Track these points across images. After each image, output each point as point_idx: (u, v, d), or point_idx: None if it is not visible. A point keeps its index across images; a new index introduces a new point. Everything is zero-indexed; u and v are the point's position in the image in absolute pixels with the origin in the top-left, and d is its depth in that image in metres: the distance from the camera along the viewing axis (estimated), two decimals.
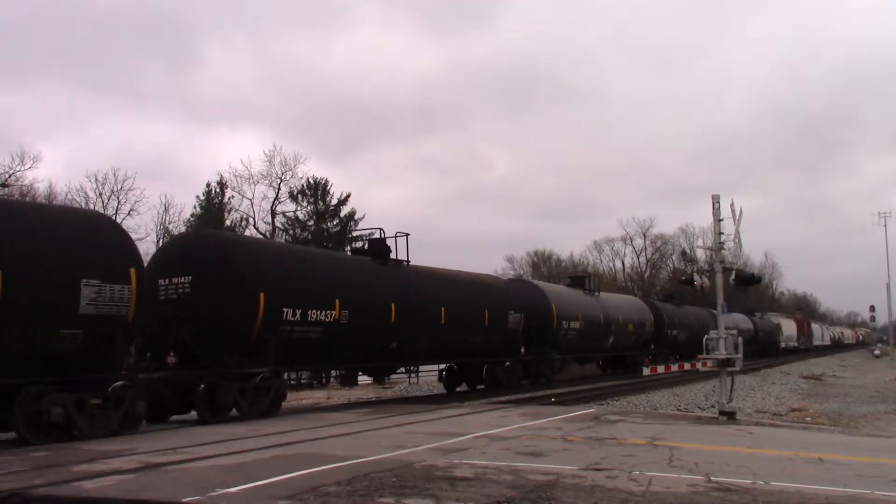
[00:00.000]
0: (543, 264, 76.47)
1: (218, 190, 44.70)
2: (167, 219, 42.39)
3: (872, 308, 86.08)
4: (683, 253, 79.28)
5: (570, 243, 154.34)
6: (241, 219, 43.65)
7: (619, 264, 79.75)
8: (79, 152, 68.66)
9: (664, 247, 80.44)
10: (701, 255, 68.32)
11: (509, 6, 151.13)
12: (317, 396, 24.86)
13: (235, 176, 43.08)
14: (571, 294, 29.22)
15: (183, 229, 42.31)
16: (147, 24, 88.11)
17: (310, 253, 17.97)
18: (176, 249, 15.60)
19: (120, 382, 11.75)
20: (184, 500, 6.38)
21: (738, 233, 14.25)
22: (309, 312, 15.64)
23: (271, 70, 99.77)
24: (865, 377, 39.03)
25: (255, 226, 43.00)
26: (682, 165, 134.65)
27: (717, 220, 14.26)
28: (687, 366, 19.13)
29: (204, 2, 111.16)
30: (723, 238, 14.26)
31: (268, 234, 42.34)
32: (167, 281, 14.32)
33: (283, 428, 12.01)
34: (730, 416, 13.87)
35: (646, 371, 19.60)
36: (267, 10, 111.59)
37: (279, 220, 43.88)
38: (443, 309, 20.08)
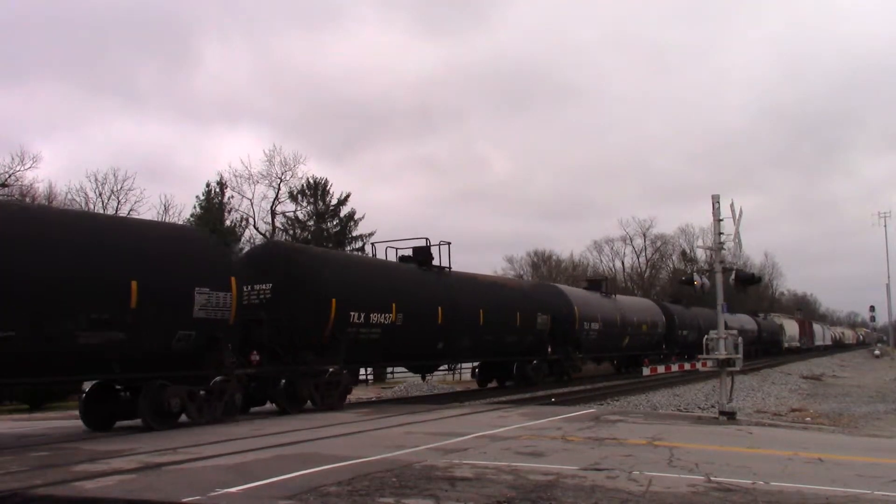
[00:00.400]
0: (543, 264, 76.52)
1: (218, 190, 44.73)
2: (167, 219, 42.36)
3: (872, 308, 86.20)
4: (683, 253, 79.35)
5: (570, 243, 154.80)
6: (241, 219, 43.70)
7: (618, 264, 79.81)
8: (77, 152, 68.75)
9: (664, 247, 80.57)
10: (701, 255, 68.52)
11: (508, 6, 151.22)
12: None
13: (235, 176, 43.13)
14: (591, 297, 30.65)
15: None
16: (145, 24, 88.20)
17: (369, 261, 19.79)
18: (257, 259, 17.12)
19: (219, 377, 13.36)
20: (184, 500, 6.38)
21: (738, 233, 14.24)
22: (371, 315, 17.54)
23: (269, 70, 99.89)
24: (865, 377, 39.06)
25: (254, 226, 43.05)
26: (682, 165, 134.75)
27: (717, 220, 14.26)
28: (687, 366, 19.14)
29: (202, 2, 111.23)
30: (723, 238, 14.25)
31: (268, 234, 42.34)
32: (250, 287, 15.61)
33: (284, 428, 12.02)
34: (730, 417, 13.85)
35: (646, 371, 19.61)
36: (264, 10, 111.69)
37: (279, 220, 43.93)
38: (481, 311, 21.80)
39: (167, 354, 12.45)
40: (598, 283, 34.79)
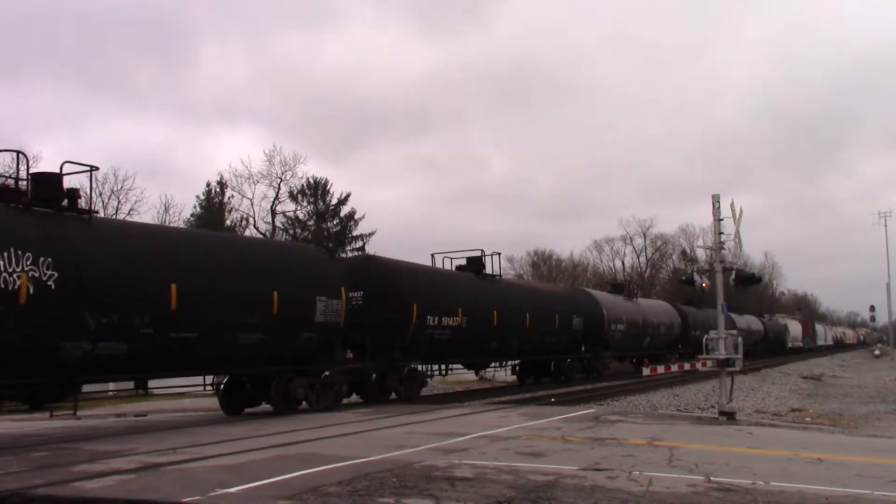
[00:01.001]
0: (543, 264, 76.48)
1: (218, 190, 44.77)
2: (167, 219, 42.35)
3: (872, 308, 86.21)
4: (683, 253, 79.34)
5: (570, 243, 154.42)
6: (242, 218, 43.72)
7: (618, 264, 79.79)
8: (75, 152, 68.45)
9: (664, 247, 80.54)
10: (701, 254, 68.52)
11: (506, 6, 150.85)
12: None
13: (235, 176, 43.17)
14: (616, 300, 33.00)
15: None
16: (143, 25, 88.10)
17: (439, 271, 22.68)
18: (350, 270, 18.93)
19: (328, 371, 16.13)
20: (184, 500, 6.38)
21: (738, 232, 14.24)
22: (443, 318, 20.00)
23: (267, 70, 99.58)
24: (865, 377, 39.08)
25: (255, 226, 43.05)
26: (681, 165, 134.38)
27: (717, 219, 14.25)
28: (687, 366, 19.16)
29: (200, 2, 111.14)
30: (723, 238, 14.24)
31: (268, 233, 42.36)
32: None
33: (283, 428, 12.01)
34: (730, 417, 13.84)
35: (646, 371, 19.65)
36: (262, 10, 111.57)
37: (279, 220, 43.94)
38: (527, 314, 24.19)
39: (294, 352, 15.13)
40: (621, 286, 37.26)
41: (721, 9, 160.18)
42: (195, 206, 44.43)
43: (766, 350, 55.18)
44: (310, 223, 44.83)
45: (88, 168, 12.29)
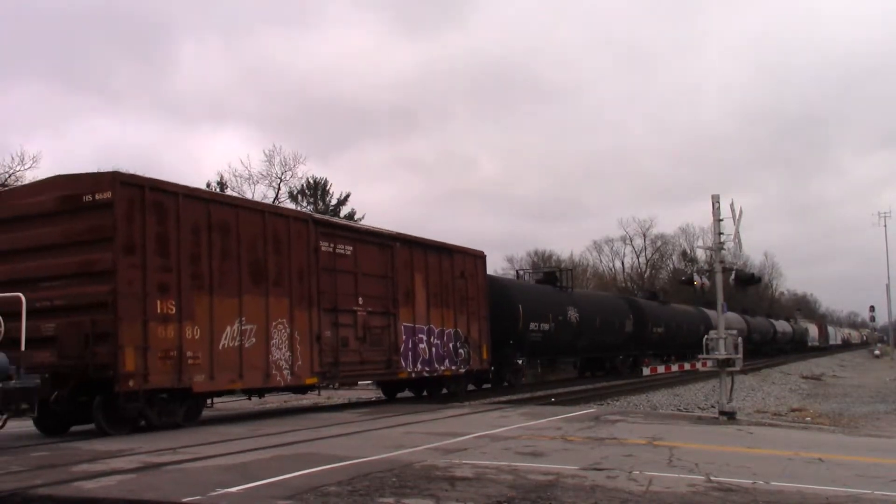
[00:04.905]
0: (543, 264, 76.44)
1: (218, 190, 44.73)
2: None
3: (872, 308, 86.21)
4: (684, 253, 79.40)
5: (567, 243, 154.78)
6: None
7: (618, 264, 79.83)
8: (63, 152, 68.48)
9: (664, 247, 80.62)
10: (701, 254, 68.65)
11: (493, 5, 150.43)
12: (316, 397, 24.79)
13: (235, 176, 43.20)
14: (714, 313, 42.28)
15: None
16: (124, 23, 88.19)
17: (650, 303, 38.15)
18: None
19: (621, 356, 32.94)
20: (184, 500, 6.37)
21: (737, 233, 14.24)
22: (655, 329, 37.44)
23: (251, 70, 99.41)
24: (865, 377, 39.10)
25: None
26: (675, 166, 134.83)
27: (717, 220, 14.24)
28: (687, 366, 19.18)
29: (186, 3, 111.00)
30: (723, 238, 14.24)
31: None
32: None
33: (283, 428, 12.01)
34: (730, 416, 13.84)
35: (646, 371, 19.66)
36: (248, 12, 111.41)
37: None
38: (684, 327, 40.16)
39: (613, 344, 31.40)
40: (713, 302, 48.11)
41: (707, 9, 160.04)
42: None
43: (794, 348, 68.94)
44: None
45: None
